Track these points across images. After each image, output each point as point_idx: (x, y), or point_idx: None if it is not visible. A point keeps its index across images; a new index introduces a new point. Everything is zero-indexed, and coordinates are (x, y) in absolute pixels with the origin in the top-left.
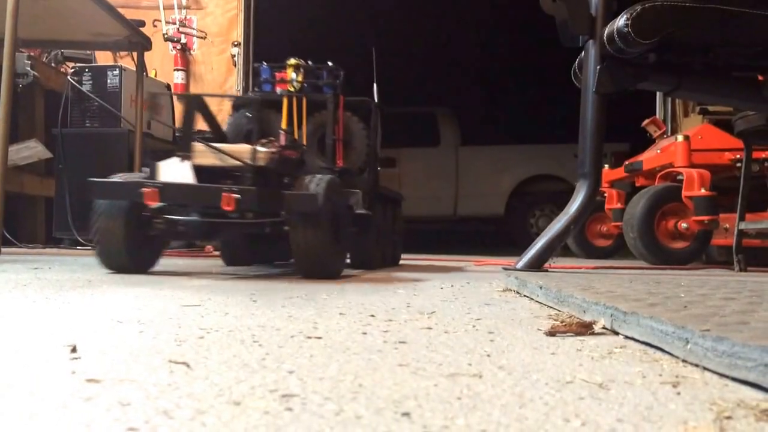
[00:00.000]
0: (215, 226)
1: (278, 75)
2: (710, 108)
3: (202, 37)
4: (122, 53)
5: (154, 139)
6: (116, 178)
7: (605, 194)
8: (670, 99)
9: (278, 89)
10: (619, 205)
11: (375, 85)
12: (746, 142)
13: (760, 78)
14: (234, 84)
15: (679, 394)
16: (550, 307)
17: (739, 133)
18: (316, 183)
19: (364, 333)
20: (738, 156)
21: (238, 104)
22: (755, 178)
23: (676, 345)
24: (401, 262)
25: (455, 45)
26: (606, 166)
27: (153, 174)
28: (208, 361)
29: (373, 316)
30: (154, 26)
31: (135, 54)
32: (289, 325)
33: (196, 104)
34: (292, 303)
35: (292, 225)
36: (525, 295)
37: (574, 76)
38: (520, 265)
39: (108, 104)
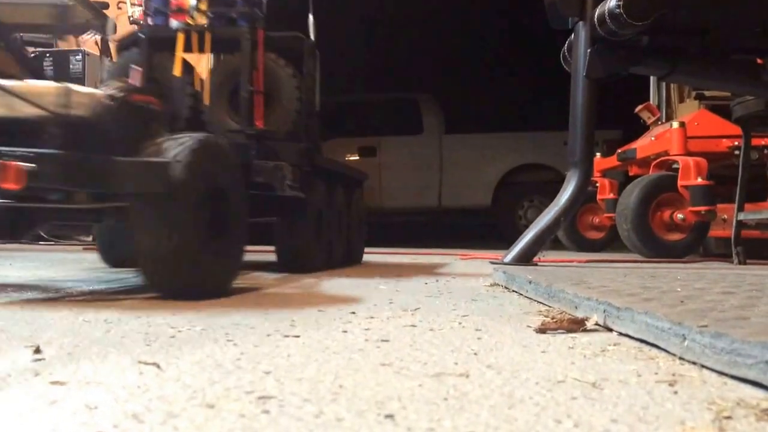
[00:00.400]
0: (22, 212)
1: (173, 1)
2: (707, 93)
3: None
4: (85, 37)
5: None
6: None
7: (597, 184)
8: (664, 84)
9: (173, 21)
10: (611, 196)
11: (310, 16)
12: (745, 129)
13: (759, 61)
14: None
15: (676, 393)
16: (540, 302)
17: (737, 119)
18: (177, 146)
19: (345, 331)
20: (736, 143)
21: (127, 43)
22: (754, 167)
23: (673, 342)
24: (369, 257)
25: (439, 27)
26: (598, 154)
27: None
28: (180, 361)
29: (353, 313)
30: (119, 8)
31: (98, 38)
32: (264, 322)
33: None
34: (268, 299)
35: (133, 213)
36: (513, 291)
37: (564, 59)
38: (508, 258)
39: None
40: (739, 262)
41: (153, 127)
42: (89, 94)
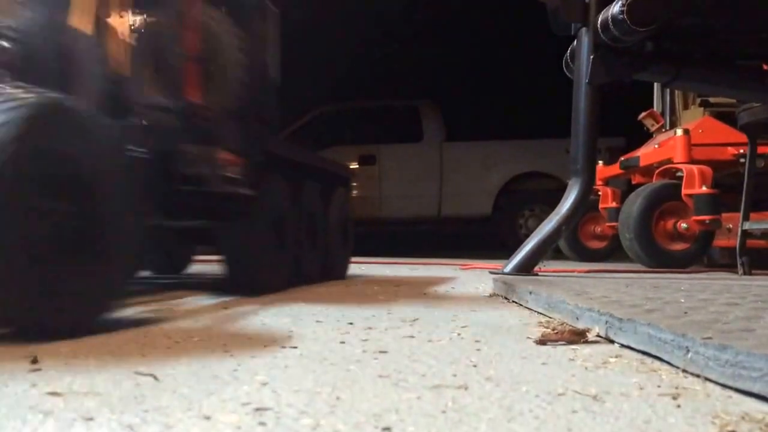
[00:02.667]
0: None
1: None
2: (712, 99)
3: None
4: None
5: None
6: None
7: (599, 192)
8: (668, 90)
9: None
10: (614, 204)
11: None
12: (750, 136)
13: (766, 67)
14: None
15: (679, 406)
16: (541, 313)
17: (742, 126)
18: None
19: (342, 342)
20: (741, 151)
21: None
22: (760, 175)
23: (676, 354)
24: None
25: (440, 33)
26: (600, 162)
27: None
28: (176, 372)
29: (351, 323)
30: None
31: None
32: (262, 333)
33: None
34: (265, 310)
35: None
36: (513, 301)
37: (566, 66)
38: (508, 268)
39: None
40: (744, 273)
41: None
42: None
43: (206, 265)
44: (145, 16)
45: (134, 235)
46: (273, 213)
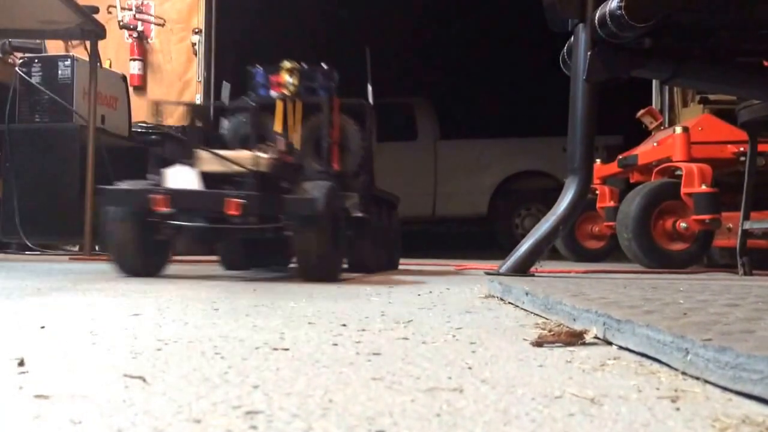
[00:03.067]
0: (219, 230)
1: (273, 78)
2: (711, 97)
3: (160, 24)
4: (74, 42)
5: (108, 134)
6: (124, 185)
7: (597, 191)
8: (667, 87)
9: (273, 92)
10: (612, 204)
11: (369, 86)
12: (751, 134)
13: (766, 64)
14: (195, 75)
15: (678, 409)
16: (537, 315)
17: (743, 124)
18: (316, 188)
19: (335, 344)
20: (742, 149)
21: (234, 109)
22: (760, 173)
23: (675, 356)
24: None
25: (434, 31)
26: (598, 161)
27: (160, 180)
28: (166, 375)
29: (344, 325)
30: (109, 13)
31: (88, 43)
32: (253, 335)
33: (199, 113)
34: (257, 312)
35: (294, 229)
36: (509, 302)
37: (563, 63)
38: (504, 269)
39: (59, 97)
40: (745, 273)
41: (294, 174)
42: (268, 157)
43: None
44: (308, 119)
45: (346, 238)
46: (372, 228)
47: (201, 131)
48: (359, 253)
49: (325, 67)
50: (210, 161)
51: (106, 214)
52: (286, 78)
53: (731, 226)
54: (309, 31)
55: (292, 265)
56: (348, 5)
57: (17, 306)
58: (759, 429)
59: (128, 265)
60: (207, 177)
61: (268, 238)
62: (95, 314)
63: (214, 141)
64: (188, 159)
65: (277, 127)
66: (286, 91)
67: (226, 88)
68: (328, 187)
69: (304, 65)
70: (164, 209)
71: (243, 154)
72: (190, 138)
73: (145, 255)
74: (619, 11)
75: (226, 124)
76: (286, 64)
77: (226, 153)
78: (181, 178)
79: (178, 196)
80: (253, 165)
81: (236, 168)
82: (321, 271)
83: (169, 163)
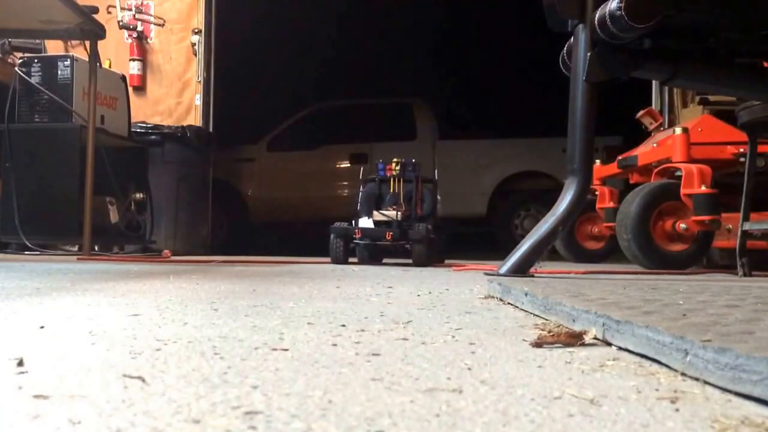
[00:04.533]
0: (381, 246)
1: (387, 167)
2: (711, 98)
3: (160, 24)
4: (74, 42)
5: (107, 134)
6: (342, 224)
7: (596, 192)
8: (667, 88)
9: (388, 173)
10: (611, 204)
11: (435, 175)
12: (750, 135)
13: (766, 64)
14: (194, 75)
15: (677, 410)
16: (537, 315)
17: (742, 125)
18: (420, 226)
19: (334, 344)
20: (741, 150)
21: (368, 179)
22: (760, 174)
23: (675, 357)
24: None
25: (432, 31)
26: (597, 161)
27: (356, 224)
28: (166, 375)
29: (344, 326)
30: (108, 12)
31: (87, 43)
32: (253, 335)
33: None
34: (257, 312)
35: (413, 245)
36: (509, 303)
37: (563, 63)
38: (503, 270)
39: (59, 97)
40: (744, 274)
41: (409, 218)
42: (402, 212)
43: None
44: (406, 186)
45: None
46: (438, 241)
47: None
48: (437, 252)
49: (413, 160)
50: (377, 215)
51: (333, 235)
52: (396, 167)
53: (731, 227)
54: (308, 29)
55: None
56: (349, 7)
57: (16, 306)
58: (758, 430)
59: (340, 260)
60: (377, 223)
61: (398, 249)
62: (94, 314)
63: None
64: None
65: (392, 191)
66: (394, 173)
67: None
68: (425, 225)
69: (404, 159)
70: (358, 236)
71: (390, 212)
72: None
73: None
74: (618, 12)
75: (362, 189)
76: (395, 159)
77: (385, 212)
78: (366, 222)
79: (364, 230)
80: (394, 216)
81: (389, 217)
82: (425, 263)
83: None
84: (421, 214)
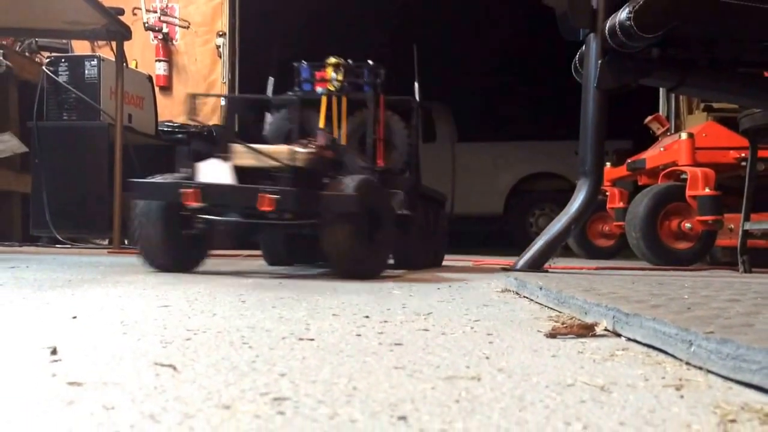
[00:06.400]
0: (254, 226)
1: (318, 74)
2: (715, 105)
3: (185, 27)
4: (100, 43)
5: (135, 132)
6: (156, 178)
7: (607, 193)
8: (673, 95)
9: (318, 88)
10: (621, 205)
11: (416, 84)
12: (752, 141)
13: (767, 74)
14: (219, 76)
15: (682, 397)
16: (551, 308)
17: (744, 131)
18: (352, 183)
19: (358, 335)
20: (743, 155)
21: (278, 104)
22: (761, 178)
23: (680, 347)
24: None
25: (452, 37)
26: (608, 164)
27: (193, 174)
28: (196, 363)
29: (367, 317)
30: (134, 14)
31: (114, 44)
32: (280, 326)
33: (236, 106)
34: (283, 303)
35: (326, 225)
36: (524, 296)
37: (575, 70)
38: (519, 265)
39: (86, 96)
40: (745, 271)
41: (334, 170)
42: (305, 152)
43: None
44: (353, 115)
45: (392, 235)
46: (418, 225)
47: (236, 124)
48: (405, 250)
49: (371, 63)
50: (245, 155)
51: (136, 207)
52: (331, 74)
53: (732, 226)
54: (333, 33)
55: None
56: (371, 13)
57: (48, 297)
58: (757, 415)
59: (157, 261)
60: (242, 172)
61: (310, 234)
62: (125, 305)
63: (256, 137)
64: (222, 153)
65: (321, 123)
66: (330, 87)
67: (270, 83)
68: (365, 182)
69: (350, 61)
70: (195, 204)
71: (279, 149)
72: (225, 131)
73: (175, 250)
74: (628, 22)
75: (269, 120)
76: (332, 59)
77: (262, 147)
78: (213, 172)
79: (209, 191)
80: (289, 160)
81: (272, 163)
82: (353, 267)
83: (202, 157)
84: (384, 168)
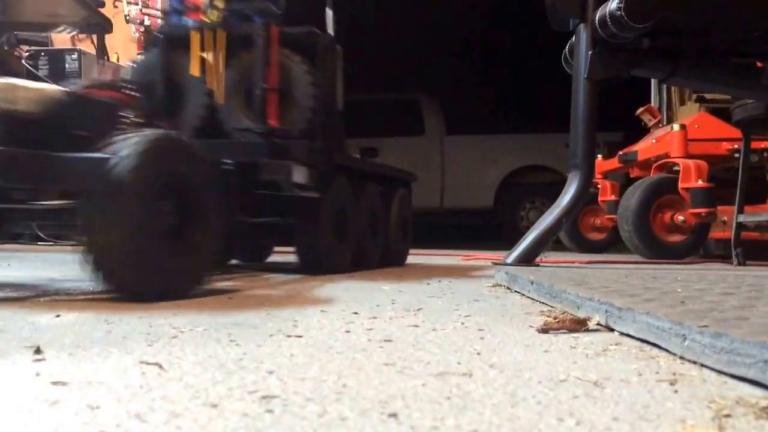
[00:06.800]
0: None
1: (189, 0)
2: (707, 96)
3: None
4: (81, 36)
5: None
6: None
7: (598, 186)
8: (665, 86)
9: (188, 19)
10: (613, 197)
11: (329, 10)
12: (744, 132)
13: (759, 64)
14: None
15: (676, 392)
16: (542, 303)
17: (737, 122)
18: (128, 142)
19: (348, 331)
20: (736, 146)
21: (148, 43)
22: (754, 169)
23: (674, 341)
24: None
25: (440, 29)
26: (599, 156)
27: None
28: (182, 361)
29: (356, 313)
30: (115, 7)
31: (95, 37)
32: (267, 323)
33: None
34: (271, 300)
35: (80, 209)
36: (516, 291)
37: (565, 61)
38: (510, 259)
39: None
40: (739, 264)
41: (117, 123)
42: (37, 89)
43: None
44: (239, 58)
45: (219, 223)
46: (335, 210)
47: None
48: (310, 245)
49: None
50: None
51: None
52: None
53: (726, 219)
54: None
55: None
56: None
57: (30, 294)
58: (752, 410)
59: None
60: None
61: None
62: (109, 303)
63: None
64: None
65: (194, 66)
66: (206, 18)
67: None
68: (154, 141)
69: None
70: None
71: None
72: None
73: None
74: (618, 12)
75: (133, 61)
76: None
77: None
78: None
79: None
80: (5, 101)
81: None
82: (121, 281)
83: None
84: (276, 129)
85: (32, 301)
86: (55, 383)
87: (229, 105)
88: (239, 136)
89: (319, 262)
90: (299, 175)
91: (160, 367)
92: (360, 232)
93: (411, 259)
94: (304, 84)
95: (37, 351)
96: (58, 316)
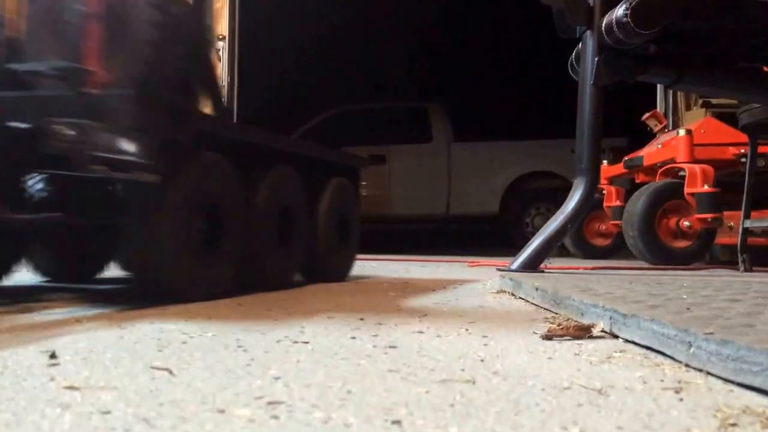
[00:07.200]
0: None
1: None
2: (713, 101)
3: None
4: None
5: None
6: None
7: (604, 191)
8: (671, 91)
9: None
10: (618, 203)
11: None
12: (751, 136)
13: (765, 69)
14: (219, 80)
15: (681, 400)
16: (547, 309)
17: (743, 126)
18: None
19: (353, 337)
20: (742, 151)
21: None
22: (760, 174)
23: (679, 349)
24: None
25: (447, 37)
26: (604, 161)
27: None
28: (191, 367)
29: (362, 319)
30: None
31: None
32: (275, 329)
33: None
34: (279, 306)
35: None
36: (520, 297)
37: (571, 68)
38: (514, 265)
39: None
40: (745, 270)
41: None
42: None
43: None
44: None
45: None
46: (194, 203)
47: None
48: (141, 258)
49: None
50: None
51: None
52: None
53: (732, 224)
54: (333, 41)
55: None
56: (367, 14)
57: (46, 299)
58: (759, 419)
59: None
60: None
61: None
62: (122, 308)
63: None
64: None
65: None
66: None
67: None
68: None
69: None
70: None
71: None
72: None
73: None
74: (625, 19)
75: None
76: None
77: None
78: None
79: None
80: None
81: None
82: None
83: None
84: (90, 70)
85: (48, 306)
86: (68, 387)
87: (33, 36)
88: (32, 83)
89: (158, 284)
90: (123, 145)
91: (170, 372)
92: (253, 237)
93: (416, 265)
94: (139, 12)
95: (53, 356)
96: (78, 321)
